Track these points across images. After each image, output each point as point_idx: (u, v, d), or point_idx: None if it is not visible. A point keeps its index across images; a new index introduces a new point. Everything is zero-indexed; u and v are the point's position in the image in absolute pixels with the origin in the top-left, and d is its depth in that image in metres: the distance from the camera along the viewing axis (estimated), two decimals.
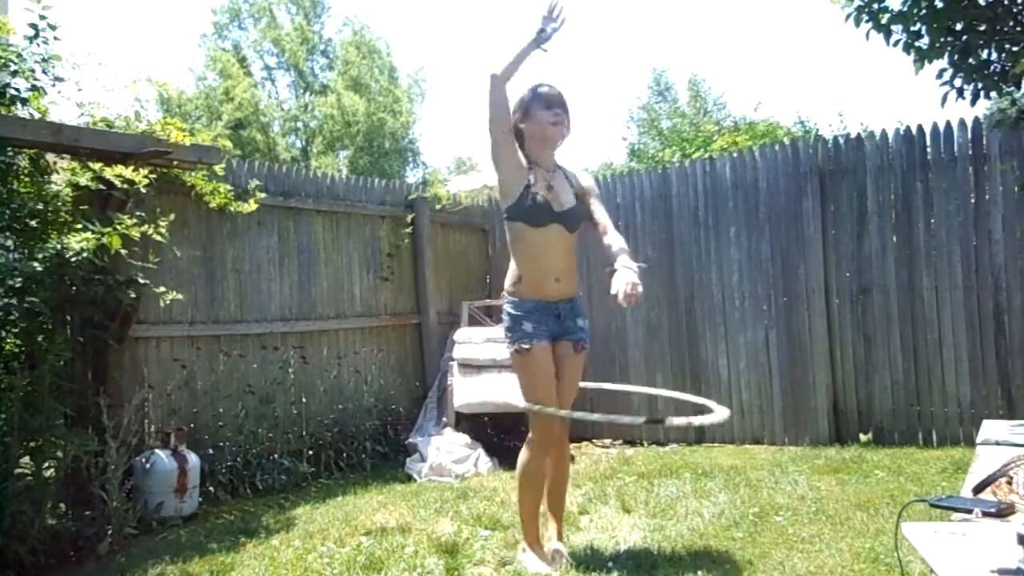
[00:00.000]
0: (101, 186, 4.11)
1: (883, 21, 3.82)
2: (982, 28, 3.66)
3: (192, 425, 4.82)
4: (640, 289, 2.87)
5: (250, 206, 5.07)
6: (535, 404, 3.05)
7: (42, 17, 3.97)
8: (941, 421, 5.21)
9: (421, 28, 44.14)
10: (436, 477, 5.18)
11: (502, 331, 3.26)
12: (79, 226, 3.94)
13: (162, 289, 4.43)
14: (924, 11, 3.66)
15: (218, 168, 4.79)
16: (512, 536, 3.55)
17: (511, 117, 3.13)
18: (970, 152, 5.16)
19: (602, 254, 3.22)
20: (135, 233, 4.10)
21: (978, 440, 2.76)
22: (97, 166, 4.14)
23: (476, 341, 5.94)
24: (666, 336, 6.18)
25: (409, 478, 5.25)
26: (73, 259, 3.87)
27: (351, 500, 4.62)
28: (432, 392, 6.29)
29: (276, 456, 5.11)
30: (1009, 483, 1.95)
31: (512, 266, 3.22)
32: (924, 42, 3.78)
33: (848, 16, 3.85)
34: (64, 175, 4.24)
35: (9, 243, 4.01)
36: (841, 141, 5.70)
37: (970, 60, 3.72)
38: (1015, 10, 3.65)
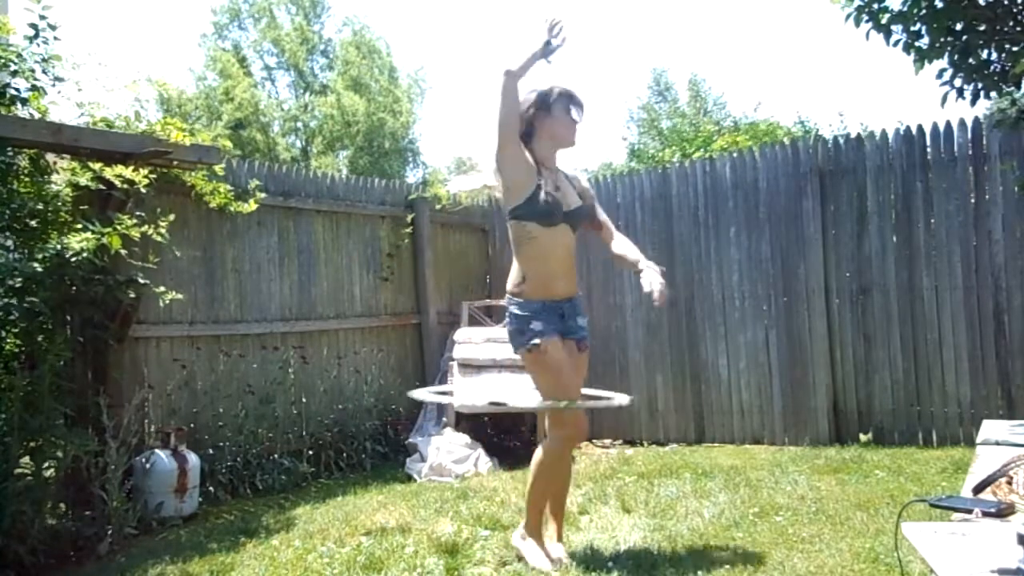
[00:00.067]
0: (101, 186, 4.11)
1: (883, 21, 3.82)
2: (982, 28, 3.66)
3: (192, 425, 4.82)
4: (667, 290, 3.09)
5: (250, 206, 5.07)
6: (560, 400, 3.04)
7: (42, 17, 3.97)
8: (941, 421, 5.22)
9: (421, 28, 44.16)
10: (436, 477, 5.18)
11: (506, 333, 3.25)
12: (79, 226, 3.94)
13: (162, 289, 4.43)
14: (924, 11, 3.66)
15: (218, 168, 4.79)
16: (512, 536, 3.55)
17: (521, 112, 3.12)
18: (970, 152, 5.16)
19: (609, 254, 3.38)
20: (135, 233, 4.10)
21: (978, 440, 2.76)
22: (97, 166, 4.13)
23: (476, 341, 5.93)
24: (666, 336, 6.18)
25: (409, 478, 5.25)
26: (73, 259, 3.87)
27: (351, 500, 4.62)
28: None
29: (276, 456, 5.11)
30: (1009, 483, 1.95)
31: (516, 267, 3.19)
32: (924, 42, 3.78)
33: (848, 16, 3.85)
34: (64, 175, 4.24)
35: (9, 243, 4.01)
36: (841, 141, 5.70)
37: (970, 60, 3.72)
38: (1015, 10, 3.65)
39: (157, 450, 4.34)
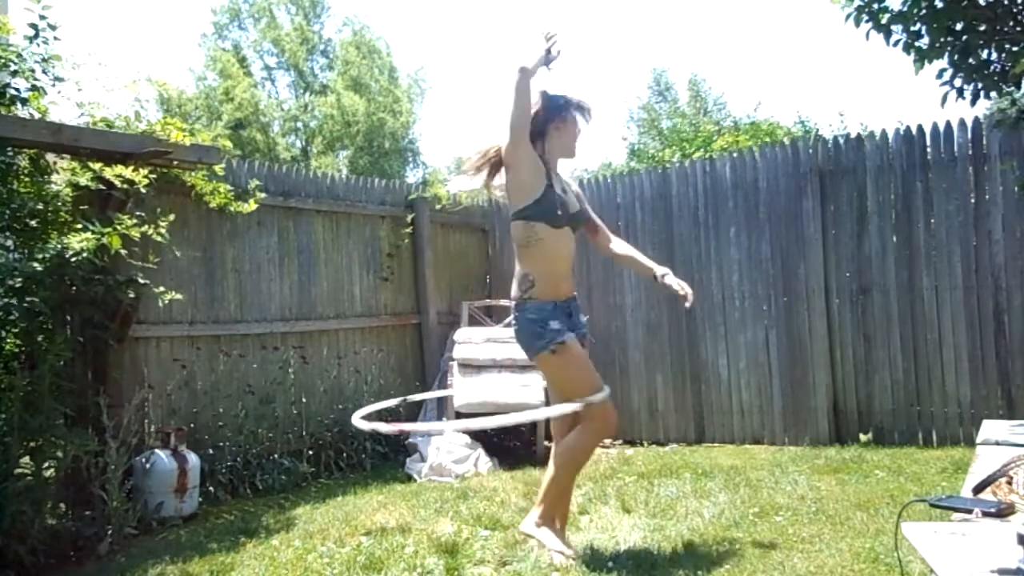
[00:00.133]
0: (101, 186, 4.11)
1: (883, 21, 3.82)
2: (982, 28, 3.66)
3: (192, 425, 4.82)
4: None
5: (250, 206, 5.07)
6: (588, 396, 3.08)
7: (42, 17, 3.98)
8: (941, 421, 5.21)
9: (421, 28, 44.14)
10: (436, 477, 5.18)
11: (509, 334, 3.28)
12: (79, 226, 3.94)
13: (162, 289, 4.43)
14: (924, 11, 3.66)
15: (218, 168, 4.80)
16: (512, 536, 3.55)
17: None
18: (970, 152, 5.16)
19: (613, 256, 3.57)
20: (135, 233, 4.10)
21: (978, 440, 2.76)
22: (97, 166, 4.14)
23: (476, 341, 5.94)
24: (666, 336, 6.18)
25: (409, 478, 5.25)
26: (73, 259, 3.88)
27: (351, 500, 4.62)
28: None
29: (276, 456, 5.11)
30: (1009, 483, 1.95)
31: (523, 269, 3.19)
32: (924, 42, 3.78)
33: (848, 16, 3.85)
34: (64, 175, 4.24)
35: (9, 243, 4.02)
36: (841, 141, 5.70)
37: (970, 60, 3.72)
38: (1015, 10, 3.65)
39: (157, 450, 4.34)
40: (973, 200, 5.17)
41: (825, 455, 5.05)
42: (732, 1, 40.59)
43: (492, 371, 5.73)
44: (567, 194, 3.25)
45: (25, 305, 3.80)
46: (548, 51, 3.09)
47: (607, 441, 6.21)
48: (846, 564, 2.98)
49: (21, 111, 3.99)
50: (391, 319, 6.37)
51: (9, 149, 3.84)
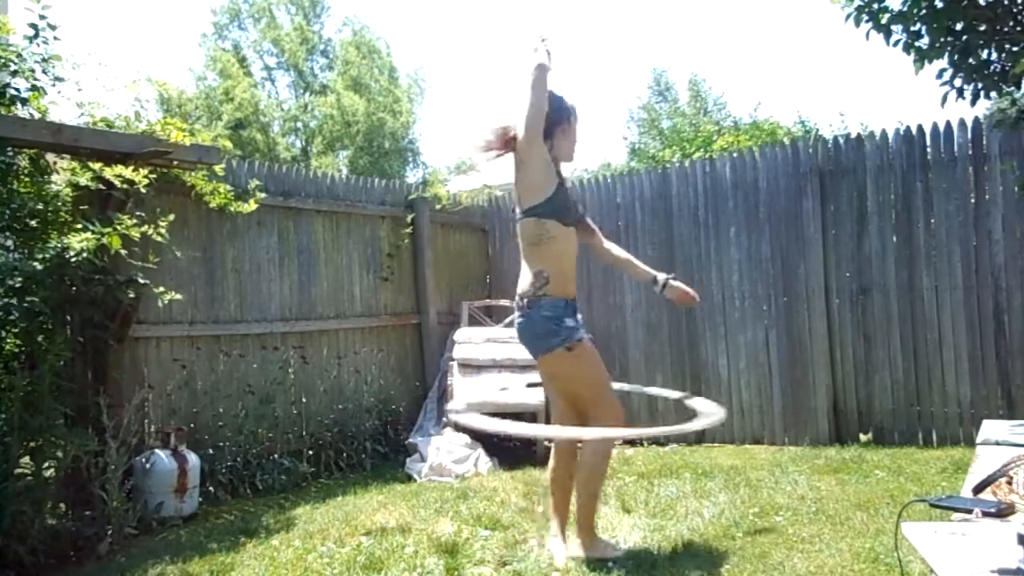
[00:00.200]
0: (101, 186, 4.11)
1: (883, 21, 3.82)
2: (982, 28, 3.66)
3: (192, 425, 4.82)
4: None
5: (250, 206, 5.07)
6: (603, 393, 3.14)
7: (42, 17, 3.97)
8: (941, 421, 5.21)
9: (421, 28, 44.15)
10: (436, 477, 5.18)
11: (537, 334, 3.17)
12: (79, 226, 3.94)
13: (162, 289, 4.43)
14: (924, 11, 3.66)
15: (218, 168, 4.80)
16: (512, 536, 3.55)
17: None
18: (970, 152, 5.16)
19: (610, 258, 3.61)
20: (135, 233, 4.10)
21: (978, 440, 2.76)
22: (97, 166, 4.13)
23: (476, 341, 5.94)
24: (666, 336, 6.18)
25: (409, 478, 5.25)
26: (73, 259, 3.88)
27: (351, 500, 4.62)
28: (432, 392, 6.29)
29: (276, 456, 5.11)
30: (1009, 483, 1.95)
31: (535, 268, 3.16)
32: (924, 42, 3.78)
33: (848, 16, 3.85)
34: (64, 175, 4.24)
35: (9, 243, 4.01)
36: (841, 141, 5.70)
37: (970, 60, 3.71)
38: (1015, 10, 3.65)
39: (157, 450, 4.33)
40: (973, 200, 5.17)
41: (825, 455, 5.05)
42: (732, 1, 40.59)
43: (492, 371, 5.73)
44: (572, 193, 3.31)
45: (25, 305, 3.80)
46: (548, 52, 3.11)
47: None
48: (846, 564, 2.98)
49: (21, 111, 3.98)
50: (391, 319, 6.37)
51: (9, 149, 3.84)
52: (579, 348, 3.11)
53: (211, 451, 4.82)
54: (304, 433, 5.41)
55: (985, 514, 1.77)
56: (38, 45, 3.98)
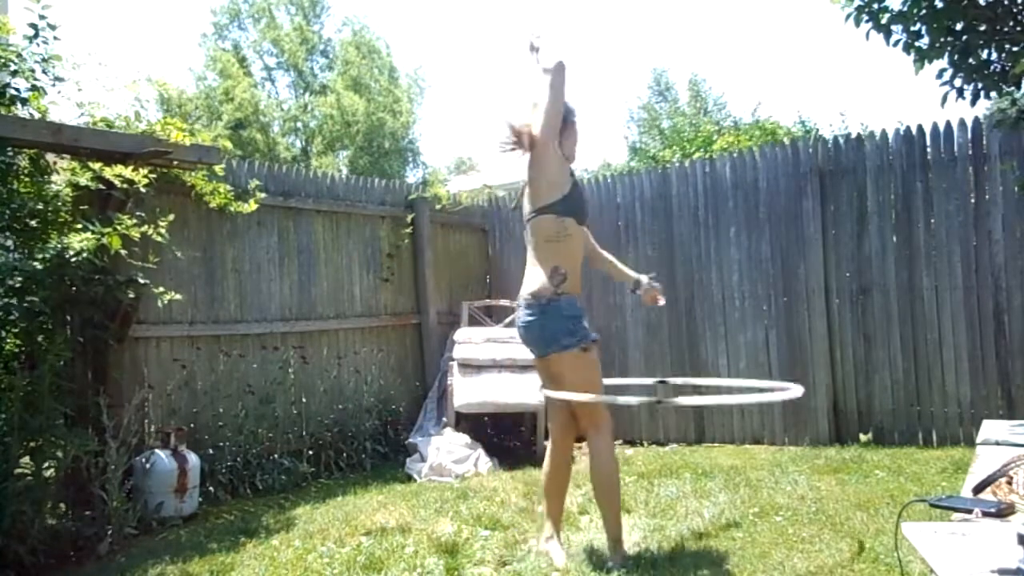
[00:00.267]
0: (101, 186, 4.11)
1: (883, 21, 3.82)
2: (982, 28, 3.66)
3: (192, 425, 4.82)
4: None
5: (250, 206, 5.07)
6: (601, 395, 3.14)
7: (42, 17, 3.98)
8: (941, 421, 5.21)
9: (421, 28, 44.14)
10: (436, 477, 5.18)
11: (551, 333, 3.13)
12: (79, 226, 3.94)
13: (162, 289, 4.43)
14: (924, 11, 3.66)
15: (218, 168, 4.80)
16: (512, 536, 3.55)
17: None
18: (970, 152, 5.16)
19: (600, 260, 3.66)
20: (135, 233, 4.10)
21: (978, 440, 2.76)
22: (97, 166, 4.14)
23: (476, 341, 5.94)
24: (666, 336, 6.18)
25: (409, 478, 5.25)
26: (73, 259, 3.88)
27: (351, 500, 4.62)
28: (432, 392, 6.29)
29: (276, 456, 5.11)
30: (1009, 483, 1.95)
31: (550, 265, 3.12)
32: (924, 42, 3.78)
33: (848, 16, 3.85)
34: (64, 175, 4.24)
35: (9, 243, 4.02)
36: (841, 141, 5.70)
37: (970, 60, 3.72)
38: (1015, 10, 3.65)
39: (157, 450, 4.33)
40: (973, 200, 5.17)
41: (825, 455, 5.05)
42: (732, 1, 40.58)
43: (492, 371, 5.73)
44: None
45: (25, 305, 3.80)
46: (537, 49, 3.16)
47: None
48: (846, 564, 2.99)
49: (21, 111, 3.99)
50: (391, 319, 6.36)
51: (9, 149, 3.85)
52: (592, 350, 3.13)
53: (211, 451, 4.82)
54: (304, 433, 5.41)
55: (985, 514, 1.77)
56: (38, 45, 3.98)
